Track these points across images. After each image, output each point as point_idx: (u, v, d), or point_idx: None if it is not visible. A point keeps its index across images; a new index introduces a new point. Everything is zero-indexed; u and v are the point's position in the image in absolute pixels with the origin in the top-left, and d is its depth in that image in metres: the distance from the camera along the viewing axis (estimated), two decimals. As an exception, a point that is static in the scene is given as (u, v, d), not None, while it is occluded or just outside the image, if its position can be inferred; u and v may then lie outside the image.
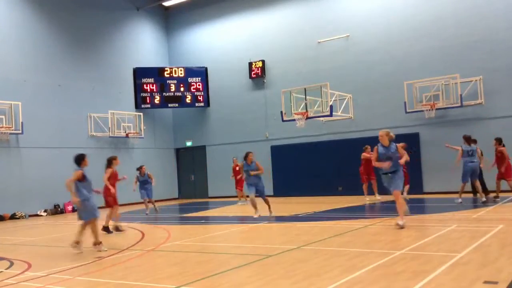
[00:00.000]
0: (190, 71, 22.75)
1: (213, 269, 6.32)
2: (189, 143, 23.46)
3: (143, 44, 23.11)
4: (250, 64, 21.34)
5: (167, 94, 22.43)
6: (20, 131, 17.03)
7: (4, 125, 16.58)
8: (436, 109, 16.57)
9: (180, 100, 22.60)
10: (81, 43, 20.20)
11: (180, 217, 15.28)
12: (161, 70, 22.54)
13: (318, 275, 5.53)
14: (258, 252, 7.17)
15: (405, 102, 17.04)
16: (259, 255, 6.95)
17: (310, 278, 5.44)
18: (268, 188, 20.62)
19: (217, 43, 22.69)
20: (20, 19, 18.23)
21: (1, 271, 6.90)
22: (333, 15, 19.62)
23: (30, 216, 17.20)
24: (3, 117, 16.61)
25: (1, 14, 17.65)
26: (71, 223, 14.87)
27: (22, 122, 17.03)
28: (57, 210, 18.13)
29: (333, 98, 17.15)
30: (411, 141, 16.38)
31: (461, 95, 16.05)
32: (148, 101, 22.26)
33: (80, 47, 20.14)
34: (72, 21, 19.87)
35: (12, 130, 16.82)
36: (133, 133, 21.18)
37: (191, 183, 23.40)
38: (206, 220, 13.66)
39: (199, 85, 22.71)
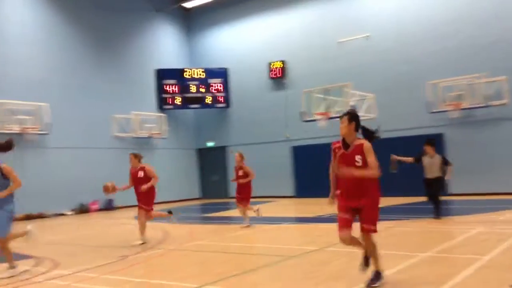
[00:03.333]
0: (211, 72, 22.90)
1: (235, 269, 6.36)
2: (210, 144, 23.60)
3: (165, 46, 23.36)
4: (270, 64, 21.37)
5: (188, 95, 22.62)
6: (48, 132, 17.41)
7: (32, 126, 16.97)
8: (461, 109, 16.29)
9: (201, 101, 22.78)
10: (104, 45, 20.54)
11: (202, 217, 15.40)
12: (182, 71, 22.74)
13: (340, 277, 5.51)
14: (280, 253, 7.18)
15: (428, 102, 16.80)
16: (280, 256, 6.95)
17: (332, 280, 5.43)
18: (290, 189, 20.70)
19: (237, 44, 22.79)
20: (46, 22, 18.63)
21: (29, 269, 7.06)
22: (353, 14, 19.48)
23: (56, 215, 17.56)
24: (32, 118, 17.00)
25: (28, 18, 18.08)
26: (95, 222, 15.14)
27: (49, 123, 17.41)
28: (82, 209, 18.47)
29: (355, 98, 17.03)
30: (436, 142, 16.11)
31: (486, 95, 15.73)
32: (170, 102, 22.49)
33: (103, 49, 20.48)
34: (96, 23, 20.22)
35: (40, 130, 17.21)
36: (156, 133, 21.42)
37: (213, 184, 23.53)
38: (228, 220, 13.73)
39: (220, 86, 22.84)
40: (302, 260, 6.66)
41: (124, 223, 14.11)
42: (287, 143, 20.92)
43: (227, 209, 17.30)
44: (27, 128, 16.82)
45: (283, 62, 21.08)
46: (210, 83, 22.79)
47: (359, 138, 5.11)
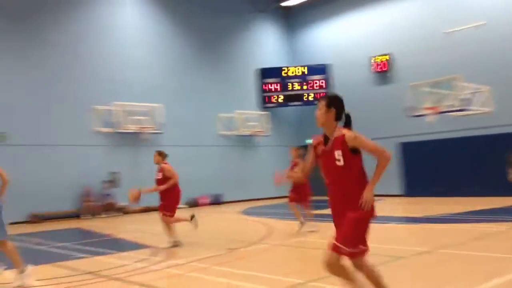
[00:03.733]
0: (311, 69, 22.88)
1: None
2: (310, 141, 23.55)
3: (266, 45, 23.83)
4: (373, 58, 20.74)
5: (288, 93, 22.86)
6: (161, 131, 18.70)
7: (147, 126, 18.36)
8: None
9: (301, 99, 22.88)
10: (209, 47, 21.53)
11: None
12: (282, 69, 23.02)
13: (457, 280, 5.22)
14: (390, 253, 6.96)
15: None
16: (390, 256, 6.75)
17: (449, 283, 5.16)
18: (398, 187, 19.89)
19: (337, 39, 22.48)
20: (158, 28, 20.05)
21: (146, 258, 7.67)
22: (462, 2, 18.17)
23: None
24: (147, 118, 18.38)
25: (142, 25, 19.60)
26: (204, 216, 15.91)
27: (163, 123, 18.67)
28: (193, 203, 19.55)
29: (468, 91, 15.87)
30: None
31: None
32: (271, 100, 22.92)
33: (208, 51, 21.49)
34: (202, 26, 21.28)
35: (154, 130, 18.55)
36: (258, 131, 21.94)
37: (314, 180, 23.44)
38: (329, 217, 13.60)
39: (321, 82, 22.74)
40: (413, 262, 6.42)
41: (231, 217, 14.64)
42: (394, 139, 20.12)
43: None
44: (143, 127, 18.25)
45: (386, 55, 20.36)
46: (311, 80, 22.79)
47: (340, 129, 3.96)
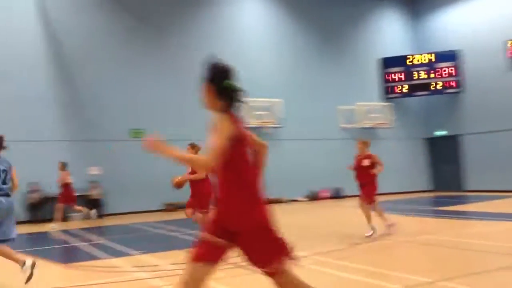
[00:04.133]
0: (439, 56, 21.37)
1: (472, 267, 5.87)
2: (440, 133, 22.10)
3: (388, 34, 22.86)
4: (509, 42, 18.67)
5: (414, 82, 21.67)
6: (282, 125, 19.06)
7: (268, 120, 18.85)
8: None
9: (428, 88, 21.54)
10: (328, 39, 21.32)
11: (434, 210, 14.61)
12: (407, 57, 21.88)
13: None
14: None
15: None
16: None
17: None
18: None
19: (467, 23, 20.64)
20: (276, 24, 20.39)
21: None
22: None
23: (290, 201, 19.11)
24: (268, 113, 18.85)
25: (260, 22, 20.13)
26: (325, 209, 15.88)
27: (283, 118, 18.99)
28: (313, 196, 19.63)
29: None
30: None
31: None
32: (394, 90, 21.96)
33: (328, 42, 21.29)
34: (321, 18, 21.14)
35: (275, 124, 18.99)
36: (381, 123, 21.20)
37: (445, 175, 22.00)
38: (464, 214, 12.69)
39: (451, 69, 21.17)
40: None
41: (352, 212, 14.45)
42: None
43: (463, 203, 16.00)
44: (264, 122, 18.78)
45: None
46: (438, 68, 21.35)
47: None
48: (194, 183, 8.06)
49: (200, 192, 7.91)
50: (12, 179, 6.04)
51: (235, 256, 3.11)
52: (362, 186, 9.04)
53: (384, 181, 16.41)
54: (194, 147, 8.27)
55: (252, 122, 18.52)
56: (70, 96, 16.39)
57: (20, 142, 14.86)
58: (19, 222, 13.55)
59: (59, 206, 12.70)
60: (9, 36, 15.44)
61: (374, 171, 8.80)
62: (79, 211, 13.41)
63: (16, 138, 14.96)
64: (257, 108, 18.60)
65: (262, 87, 19.18)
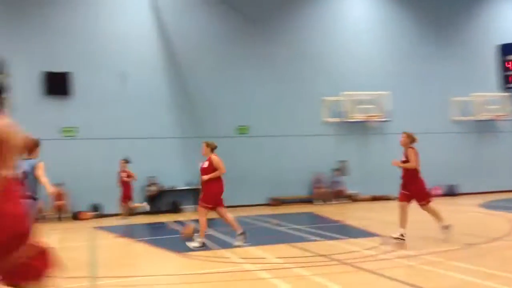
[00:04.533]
0: None
1: None
2: None
3: (507, 17, 20.83)
4: None
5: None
6: (389, 119, 18.38)
7: (375, 114, 18.33)
8: None
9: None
10: (439, 27, 20.00)
11: None
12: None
13: None
14: None
15: None
16: None
17: None
18: None
19: None
20: (381, 16, 19.64)
21: (375, 246, 7.70)
22: None
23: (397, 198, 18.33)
24: (374, 106, 18.30)
25: (364, 15, 19.52)
26: (437, 207, 14.99)
27: (390, 110, 18.30)
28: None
29: None
30: None
31: None
32: (515, 79, 20.04)
33: (439, 30, 19.98)
34: (430, 7, 19.93)
35: (382, 118, 18.41)
36: (501, 115, 19.46)
37: None
38: None
39: None
40: None
41: (469, 210, 13.53)
42: None
43: None
44: (370, 116, 18.28)
45: None
46: None
47: None
48: (208, 182, 8.24)
49: (210, 190, 8.25)
50: (38, 177, 6.50)
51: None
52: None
53: (504, 177, 15.07)
54: (209, 145, 8.37)
55: (358, 116, 18.16)
56: (183, 96, 17.38)
57: (139, 140, 16.21)
58: (139, 213, 14.83)
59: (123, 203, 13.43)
60: (128, 40, 16.78)
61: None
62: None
63: (134, 135, 16.41)
64: (362, 102, 18.17)
65: (369, 80, 18.69)
